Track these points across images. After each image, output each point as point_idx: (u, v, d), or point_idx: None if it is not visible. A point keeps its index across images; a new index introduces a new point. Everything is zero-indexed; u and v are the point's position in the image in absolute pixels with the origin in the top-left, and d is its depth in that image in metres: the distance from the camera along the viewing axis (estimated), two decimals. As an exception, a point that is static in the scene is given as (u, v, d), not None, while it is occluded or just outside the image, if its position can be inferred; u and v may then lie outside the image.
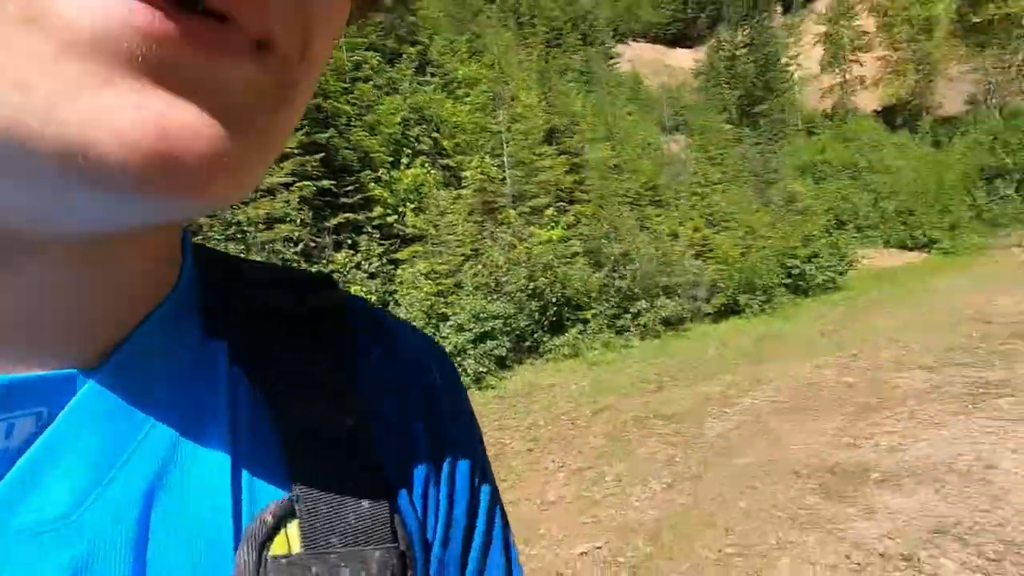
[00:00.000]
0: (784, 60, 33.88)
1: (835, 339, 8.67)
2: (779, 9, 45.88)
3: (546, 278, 9.61)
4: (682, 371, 8.05)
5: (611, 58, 30.52)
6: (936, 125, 31.16)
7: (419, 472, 0.33)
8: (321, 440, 0.29)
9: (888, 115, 35.23)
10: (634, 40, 43.78)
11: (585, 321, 10.07)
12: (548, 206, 12.29)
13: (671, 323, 11.29)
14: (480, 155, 12.17)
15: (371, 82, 11.69)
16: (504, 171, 12.51)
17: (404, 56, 13.65)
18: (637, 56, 40.37)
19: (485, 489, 0.37)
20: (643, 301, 10.92)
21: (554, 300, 9.76)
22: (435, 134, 12.57)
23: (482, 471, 0.38)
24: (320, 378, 0.31)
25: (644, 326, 10.66)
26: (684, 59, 44.05)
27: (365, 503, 0.29)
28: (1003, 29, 31.33)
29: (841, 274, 13.97)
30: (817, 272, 13.80)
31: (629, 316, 10.74)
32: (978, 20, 32.47)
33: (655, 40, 46.16)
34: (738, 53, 33.45)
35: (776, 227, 15.66)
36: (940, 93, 35.10)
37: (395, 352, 0.36)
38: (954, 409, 4.83)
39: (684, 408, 6.24)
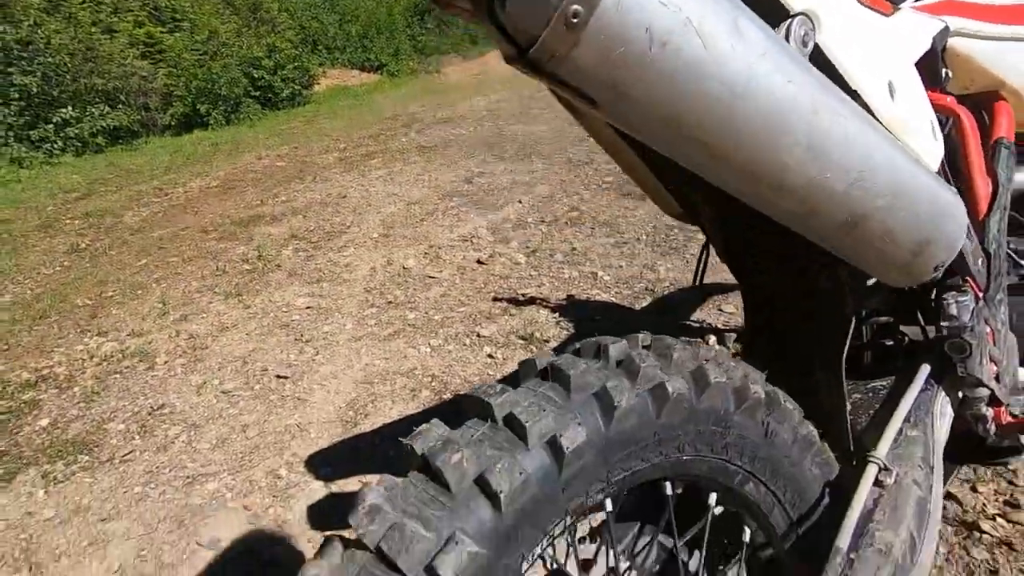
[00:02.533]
0: None
1: (285, 138, 9.43)
2: None
3: None
4: (120, 177, 7.30)
5: None
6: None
7: None
8: None
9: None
10: None
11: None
12: None
13: (120, 136, 9.76)
14: None
15: None
16: None
17: None
18: None
19: None
20: (70, 108, 8.90)
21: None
22: None
23: None
24: None
25: (77, 139, 8.85)
26: None
27: None
28: None
29: (306, 88, 14.78)
30: (284, 85, 14.11)
31: (52, 126, 8.65)
32: None
33: None
34: None
35: (241, 35, 14.85)
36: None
37: None
38: (342, 172, 6.19)
39: (107, 205, 5.80)
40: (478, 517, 0.44)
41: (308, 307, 2.92)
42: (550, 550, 0.68)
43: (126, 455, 1.99)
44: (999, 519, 1.30)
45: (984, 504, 1.34)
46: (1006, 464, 1.00)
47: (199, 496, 1.76)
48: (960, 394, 0.79)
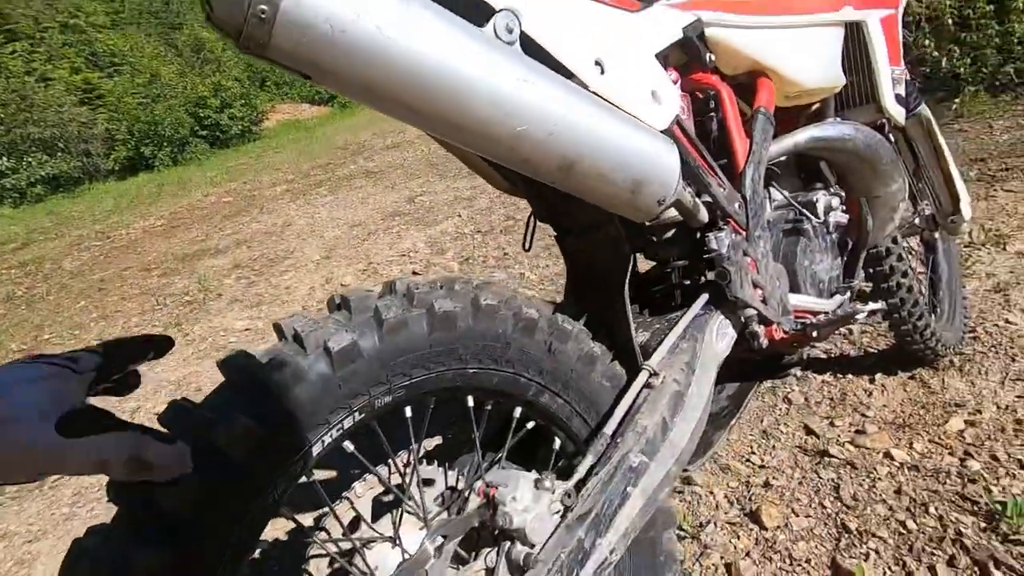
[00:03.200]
0: None
1: (233, 175, 9.43)
2: None
3: None
4: (60, 225, 7.18)
5: None
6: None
7: None
8: None
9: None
10: None
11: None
12: None
13: (61, 184, 9.59)
14: None
15: None
16: None
17: None
18: None
19: None
20: (5, 159, 8.74)
21: None
22: None
23: None
24: None
25: (14, 190, 8.67)
26: None
27: None
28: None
29: (256, 124, 14.79)
30: (232, 123, 14.09)
31: (-13, 179, 8.47)
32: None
33: None
34: None
35: (185, 76, 14.82)
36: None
37: None
38: (289, 201, 6.25)
39: (45, 253, 5.71)
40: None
41: (246, 329, 2.98)
42: (384, 469, 0.80)
43: (55, 480, 2.01)
44: (847, 445, 1.47)
45: (838, 435, 1.52)
46: (789, 374, 1.16)
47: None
48: (739, 317, 0.94)
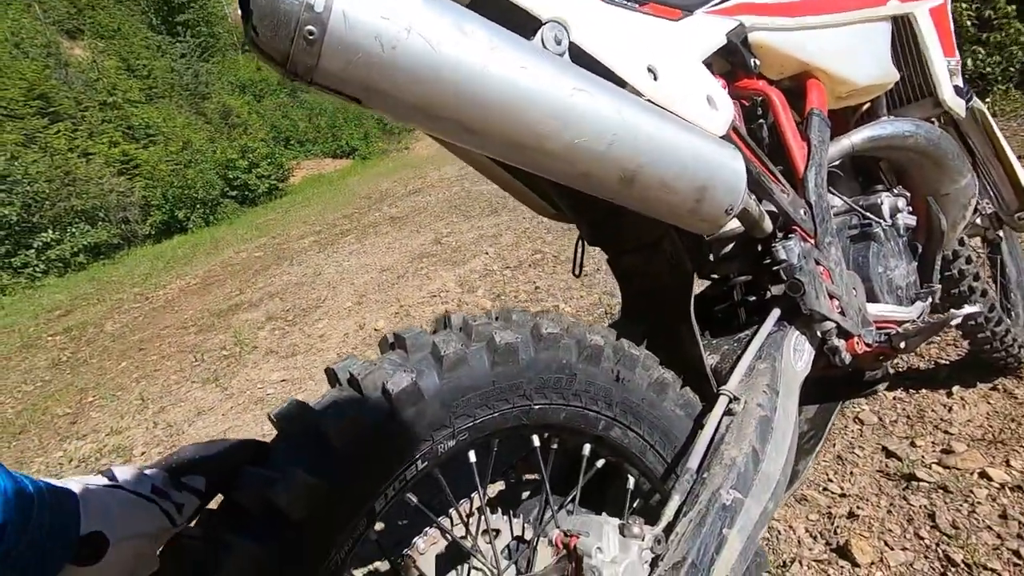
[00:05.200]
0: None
1: (263, 230, 9.69)
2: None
3: None
4: (101, 290, 7.43)
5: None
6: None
7: None
8: None
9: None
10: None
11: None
12: None
13: (102, 251, 10.00)
14: None
15: None
16: None
17: None
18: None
19: None
20: (51, 231, 9.17)
21: None
22: None
23: None
24: None
25: (59, 260, 9.06)
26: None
27: None
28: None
29: (282, 181, 15.32)
30: (260, 181, 14.62)
31: (33, 251, 8.87)
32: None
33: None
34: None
35: (215, 141, 15.53)
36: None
37: None
38: (317, 252, 6.36)
39: (88, 318, 5.89)
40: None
41: (283, 380, 2.97)
42: (447, 520, 0.74)
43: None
44: (935, 466, 1.34)
45: (923, 456, 1.39)
46: (875, 392, 1.05)
47: None
48: (816, 332, 0.87)
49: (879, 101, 1.15)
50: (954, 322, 0.86)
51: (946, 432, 1.44)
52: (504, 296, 3.39)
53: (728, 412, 0.73)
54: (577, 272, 1.01)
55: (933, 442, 1.43)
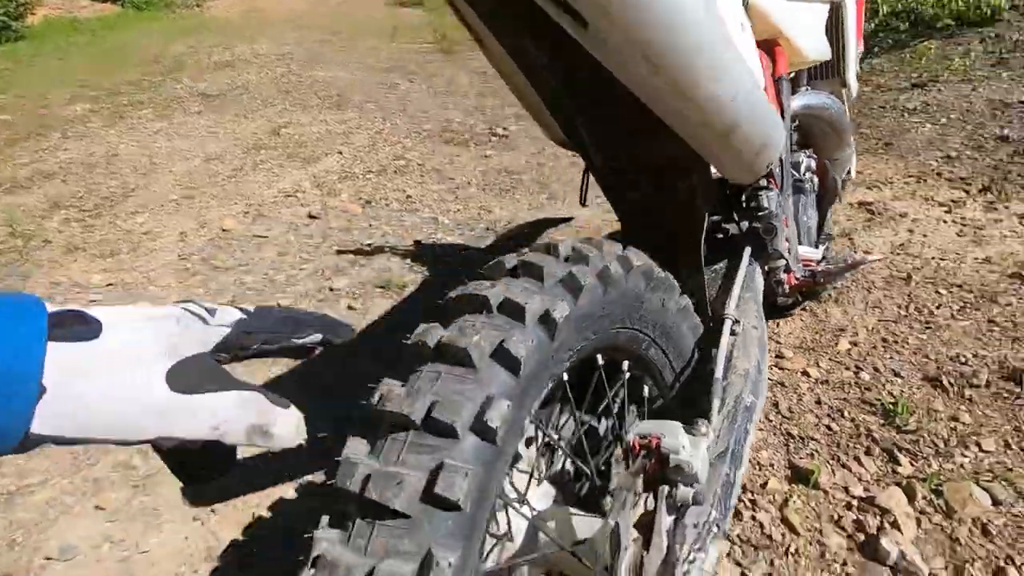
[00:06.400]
0: None
1: (1, 85, 7.37)
2: None
3: None
4: None
5: None
6: None
7: None
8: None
9: None
10: None
11: None
12: None
13: None
14: None
15: None
16: None
17: None
18: None
19: None
20: None
21: None
22: None
23: None
24: None
25: None
26: None
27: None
28: None
29: (16, 19, 11.54)
30: (-21, 13, 10.82)
31: None
32: None
33: None
34: None
35: None
36: None
37: None
38: (103, 126, 5.11)
39: None
40: (501, 382, 0.52)
41: (109, 284, 2.47)
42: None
43: None
44: (774, 368, 1.77)
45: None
46: (792, 310, 1.38)
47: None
48: (767, 266, 1.08)
49: (802, 73, 1.36)
50: (864, 265, 1.14)
51: (777, 342, 1.88)
52: (374, 202, 3.22)
53: (732, 332, 0.89)
54: (583, 202, 1.05)
55: (770, 349, 1.86)
